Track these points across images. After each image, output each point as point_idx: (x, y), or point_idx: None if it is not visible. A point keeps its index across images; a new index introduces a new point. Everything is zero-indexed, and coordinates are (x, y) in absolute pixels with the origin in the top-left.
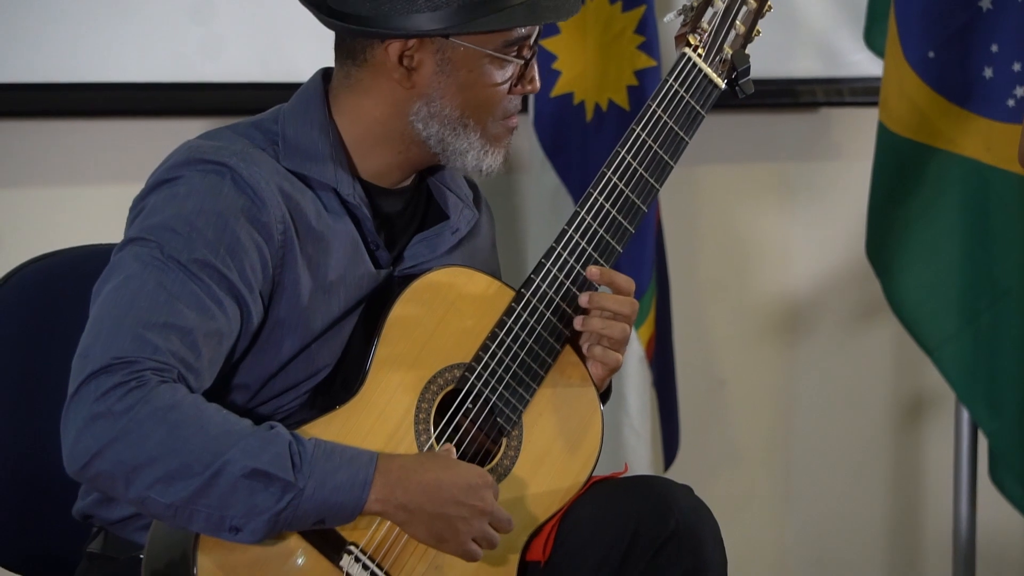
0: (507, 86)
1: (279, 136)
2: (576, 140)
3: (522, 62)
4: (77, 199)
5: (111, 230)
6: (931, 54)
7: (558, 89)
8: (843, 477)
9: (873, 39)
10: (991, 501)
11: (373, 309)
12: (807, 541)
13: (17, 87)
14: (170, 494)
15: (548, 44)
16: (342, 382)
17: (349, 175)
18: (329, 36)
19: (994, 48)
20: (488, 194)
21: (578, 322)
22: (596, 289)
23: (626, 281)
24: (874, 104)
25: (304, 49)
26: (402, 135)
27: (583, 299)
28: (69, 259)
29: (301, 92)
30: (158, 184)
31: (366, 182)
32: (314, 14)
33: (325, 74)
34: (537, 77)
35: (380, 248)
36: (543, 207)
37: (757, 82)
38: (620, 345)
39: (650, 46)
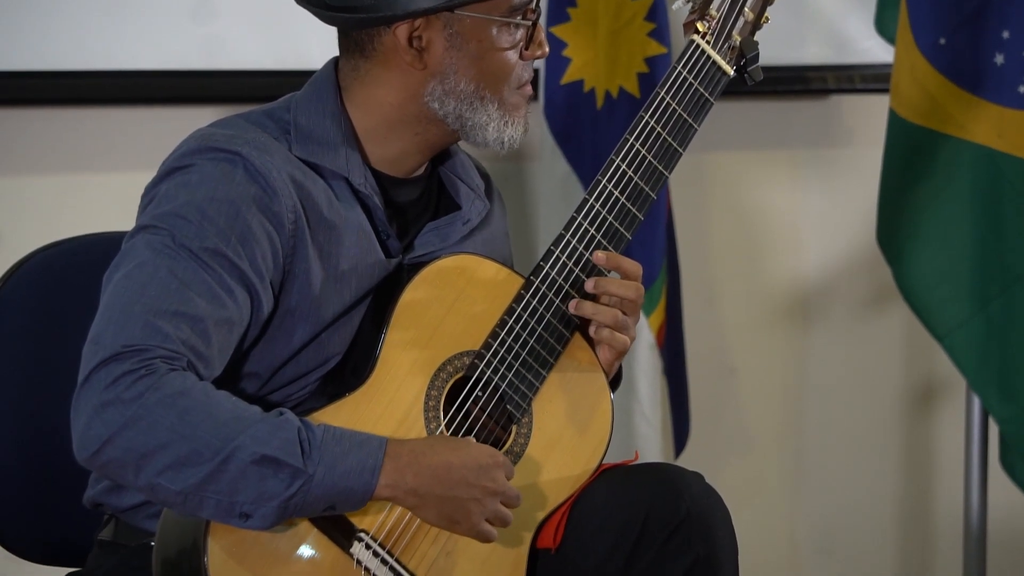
0: (518, 52)
1: (291, 125)
2: (587, 127)
3: (528, 24)
4: (87, 187)
5: (121, 218)
6: (942, 40)
7: (568, 76)
8: (854, 464)
9: (884, 25)
10: (1002, 487)
11: (383, 297)
12: (818, 528)
13: (26, 75)
14: (180, 481)
15: (559, 31)
16: (352, 370)
17: (361, 164)
18: None
19: (1005, 34)
20: (498, 181)
21: (572, 305)
22: (605, 275)
23: (633, 265)
24: (885, 91)
25: (316, 37)
26: (418, 117)
27: (589, 285)
28: (80, 247)
29: (313, 81)
30: (170, 172)
31: (378, 171)
32: (314, 12)
33: (337, 63)
34: (545, 40)
35: (391, 237)
36: (554, 194)
37: (768, 69)
38: (628, 328)
39: (660, 33)
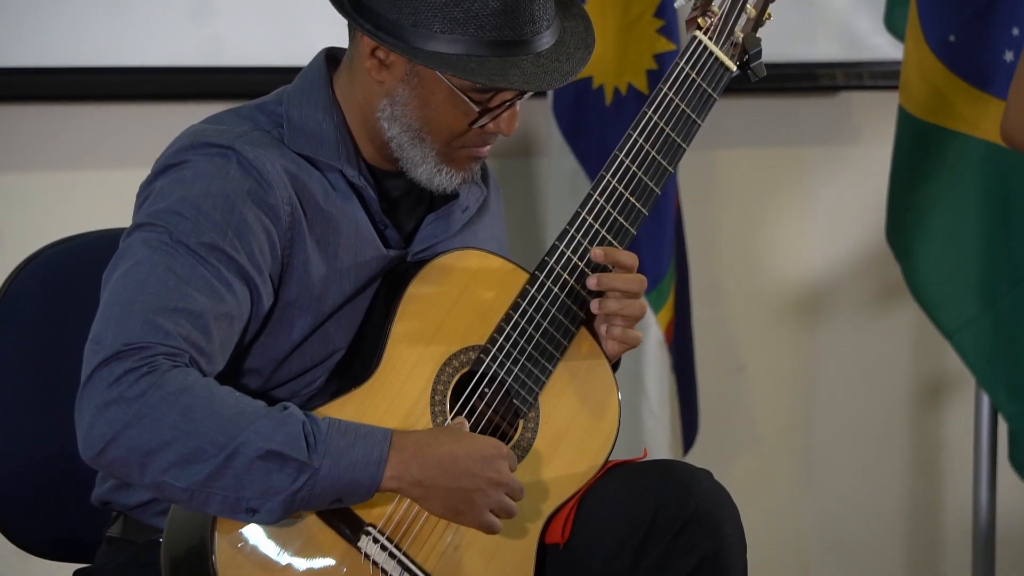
0: (469, 121)
1: (284, 118)
2: (595, 124)
3: (477, 111)
4: (89, 183)
5: (123, 215)
6: (951, 37)
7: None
8: (862, 461)
9: (893, 22)
10: (1011, 485)
11: (387, 291)
12: (826, 525)
13: (28, 71)
14: (185, 478)
15: None
16: (357, 365)
17: (354, 157)
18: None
19: (1015, 31)
20: (507, 177)
21: (595, 305)
22: (608, 270)
23: (629, 257)
24: (894, 88)
25: (321, 32)
26: (375, 128)
27: (591, 281)
28: (87, 243)
29: (304, 73)
30: (164, 169)
31: (371, 164)
32: None
33: (328, 55)
34: (508, 124)
35: (389, 227)
36: (562, 190)
37: (777, 65)
38: (636, 322)
39: (669, 30)
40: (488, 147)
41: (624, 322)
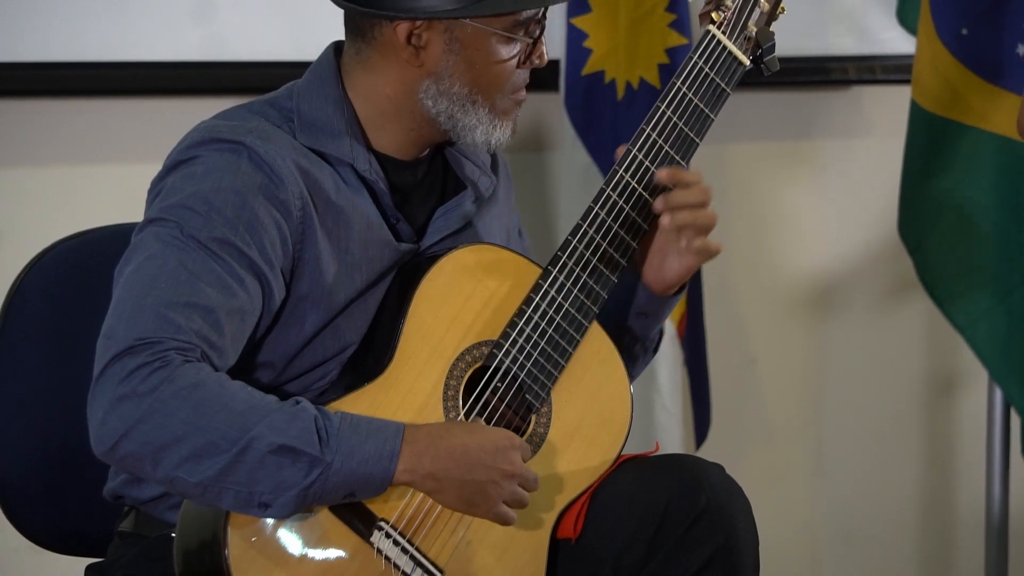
0: (515, 62)
1: (294, 112)
2: (607, 118)
3: (530, 41)
4: (90, 179)
5: (127, 210)
6: (964, 31)
7: (589, 67)
8: (875, 455)
9: (906, 16)
10: (1023, 477)
11: (400, 285)
12: (838, 518)
13: (29, 66)
14: (198, 472)
15: (579, 22)
16: (370, 360)
17: (365, 150)
18: None
19: None
20: (519, 171)
21: (666, 220)
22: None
23: (693, 175)
24: (906, 82)
25: (327, 25)
26: (412, 112)
27: (658, 204)
28: (98, 238)
29: (314, 68)
30: (175, 165)
31: (382, 155)
32: None
33: (337, 48)
34: (545, 51)
35: (400, 221)
36: (573, 185)
37: (789, 60)
38: (710, 232)
39: (681, 24)
40: (525, 90)
41: (698, 232)
